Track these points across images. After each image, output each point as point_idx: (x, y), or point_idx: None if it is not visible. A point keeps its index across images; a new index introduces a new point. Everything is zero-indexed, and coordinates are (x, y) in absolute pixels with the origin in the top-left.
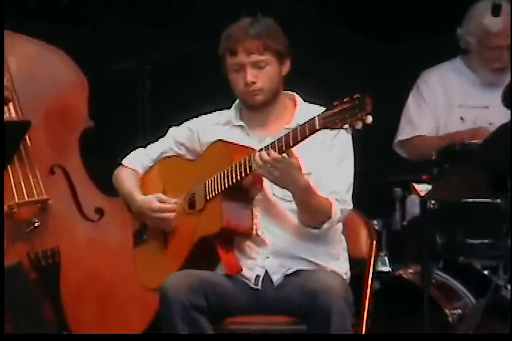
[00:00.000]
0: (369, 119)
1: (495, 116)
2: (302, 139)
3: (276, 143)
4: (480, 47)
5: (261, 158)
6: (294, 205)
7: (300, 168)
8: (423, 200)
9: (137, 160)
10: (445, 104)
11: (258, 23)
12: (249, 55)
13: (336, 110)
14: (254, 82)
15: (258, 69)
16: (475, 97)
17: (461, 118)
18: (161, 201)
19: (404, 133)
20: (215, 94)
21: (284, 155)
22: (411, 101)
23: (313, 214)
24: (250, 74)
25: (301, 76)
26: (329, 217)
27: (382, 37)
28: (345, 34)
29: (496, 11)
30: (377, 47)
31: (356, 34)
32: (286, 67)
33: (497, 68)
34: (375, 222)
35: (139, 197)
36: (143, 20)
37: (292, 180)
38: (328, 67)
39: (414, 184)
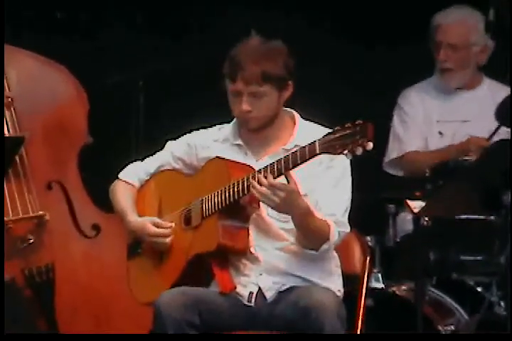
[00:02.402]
0: (370, 146)
1: (474, 129)
2: (301, 162)
3: (275, 164)
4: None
5: (260, 184)
6: (288, 225)
7: (299, 193)
8: (416, 217)
9: (134, 174)
10: (424, 120)
11: (263, 45)
12: (247, 85)
13: (337, 135)
14: (249, 111)
15: (255, 98)
16: (453, 112)
17: (440, 133)
18: (157, 226)
19: (394, 151)
20: (211, 109)
21: (284, 180)
22: (396, 119)
23: (312, 237)
24: (246, 104)
25: (299, 89)
26: (327, 239)
27: (377, 47)
28: (343, 45)
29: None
30: (374, 60)
31: (352, 44)
32: (288, 92)
33: (443, 69)
34: (368, 239)
35: (133, 218)
36: (137, 35)
37: (292, 206)
38: (326, 81)
39: (407, 200)
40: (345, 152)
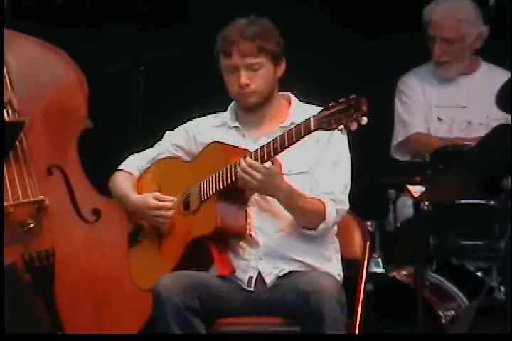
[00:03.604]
0: (364, 120)
1: (472, 114)
2: (297, 140)
3: (271, 143)
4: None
5: (240, 167)
6: None
7: (281, 174)
8: (417, 202)
9: (133, 163)
10: (424, 104)
11: (253, 24)
12: (243, 57)
13: (331, 111)
14: (248, 84)
15: (252, 72)
16: (451, 97)
17: (439, 119)
18: (158, 199)
19: (400, 134)
20: (210, 96)
21: (267, 164)
22: (397, 103)
23: (304, 216)
24: (244, 77)
25: (295, 74)
26: (324, 218)
27: (376, 35)
28: (340, 32)
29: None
30: (372, 45)
31: (352, 32)
32: (281, 69)
33: (439, 62)
34: (368, 223)
35: (134, 196)
36: (138, 22)
37: (272, 188)
38: (324, 66)
39: (407, 185)
40: (340, 127)
